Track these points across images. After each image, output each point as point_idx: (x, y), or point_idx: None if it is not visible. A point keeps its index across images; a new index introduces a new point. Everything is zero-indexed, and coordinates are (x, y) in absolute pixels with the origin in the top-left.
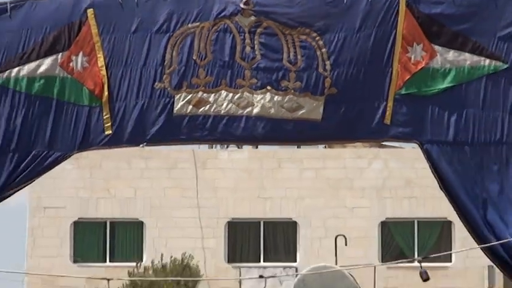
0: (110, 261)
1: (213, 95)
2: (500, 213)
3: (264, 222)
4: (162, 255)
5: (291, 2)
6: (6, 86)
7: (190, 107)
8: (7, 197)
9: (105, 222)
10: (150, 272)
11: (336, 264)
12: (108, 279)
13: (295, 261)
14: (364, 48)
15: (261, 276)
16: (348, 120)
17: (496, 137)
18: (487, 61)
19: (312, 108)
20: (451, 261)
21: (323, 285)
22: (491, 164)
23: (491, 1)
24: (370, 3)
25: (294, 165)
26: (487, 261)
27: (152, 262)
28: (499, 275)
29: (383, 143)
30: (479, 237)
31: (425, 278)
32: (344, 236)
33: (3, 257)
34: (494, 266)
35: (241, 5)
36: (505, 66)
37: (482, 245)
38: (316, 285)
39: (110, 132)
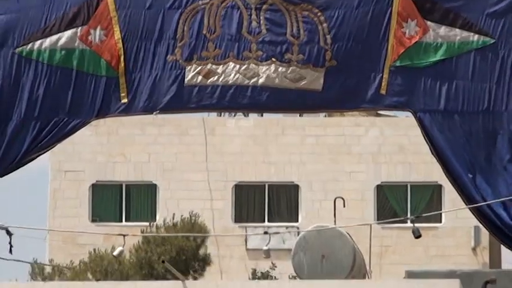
0: (125, 221)
1: (221, 66)
2: (487, 178)
3: (268, 185)
4: (173, 214)
5: None
6: (30, 57)
7: (200, 77)
8: (30, 161)
9: (121, 185)
10: (162, 230)
11: (335, 224)
12: (124, 235)
13: (297, 221)
14: (362, 23)
15: (265, 233)
16: (347, 90)
17: (483, 106)
18: (476, 36)
19: (313, 79)
20: (441, 222)
21: (322, 243)
22: (479, 132)
23: None
24: None
25: (296, 132)
26: (473, 222)
27: (164, 221)
28: (484, 235)
29: (379, 112)
30: (468, 199)
31: (417, 235)
32: (342, 198)
33: (26, 217)
34: (481, 226)
35: None
36: (492, 41)
37: (472, 205)
38: (316, 243)
39: (126, 101)
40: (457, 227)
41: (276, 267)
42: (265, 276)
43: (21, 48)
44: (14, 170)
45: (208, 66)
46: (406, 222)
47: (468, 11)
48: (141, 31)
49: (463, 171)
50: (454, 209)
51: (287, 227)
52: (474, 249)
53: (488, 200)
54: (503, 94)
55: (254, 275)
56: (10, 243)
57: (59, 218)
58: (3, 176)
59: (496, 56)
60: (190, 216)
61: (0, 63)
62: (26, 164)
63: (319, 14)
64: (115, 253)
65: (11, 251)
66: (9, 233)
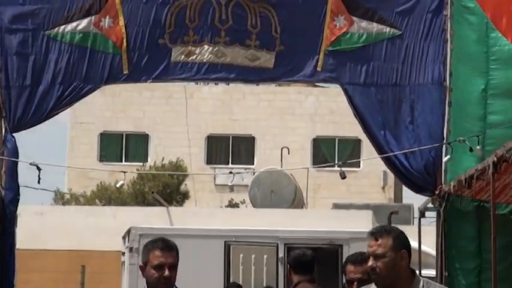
0: (125, 161)
1: (198, 48)
2: (394, 134)
3: (232, 136)
4: (163, 158)
5: None
6: (56, 38)
7: (183, 56)
8: (55, 115)
9: (122, 134)
10: (153, 169)
11: (281, 167)
12: (125, 172)
13: (253, 164)
14: (304, 18)
15: (230, 172)
16: (292, 68)
17: (392, 81)
18: (388, 29)
19: (266, 59)
20: (359, 167)
21: (272, 182)
22: (389, 100)
23: None
24: None
25: (254, 97)
26: (383, 168)
27: (154, 162)
28: (390, 178)
29: (316, 84)
30: (380, 150)
31: (343, 176)
32: (287, 148)
33: (51, 156)
34: (388, 171)
35: None
36: (400, 32)
37: (383, 155)
38: (267, 181)
39: (127, 72)
40: (371, 171)
41: (244, 201)
42: (232, 205)
43: (49, 31)
44: (43, 122)
45: (189, 47)
46: (334, 167)
47: (383, 10)
48: (139, 20)
49: (376, 129)
50: (369, 158)
51: (245, 169)
52: (383, 188)
53: (395, 151)
54: (406, 72)
55: (231, 204)
56: (39, 176)
57: (75, 158)
58: (35, 126)
59: (402, 43)
60: (176, 160)
61: (34, 42)
62: (52, 117)
63: (272, 10)
64: (117, 185)
65: (39, 182)
66: (38, 168)
